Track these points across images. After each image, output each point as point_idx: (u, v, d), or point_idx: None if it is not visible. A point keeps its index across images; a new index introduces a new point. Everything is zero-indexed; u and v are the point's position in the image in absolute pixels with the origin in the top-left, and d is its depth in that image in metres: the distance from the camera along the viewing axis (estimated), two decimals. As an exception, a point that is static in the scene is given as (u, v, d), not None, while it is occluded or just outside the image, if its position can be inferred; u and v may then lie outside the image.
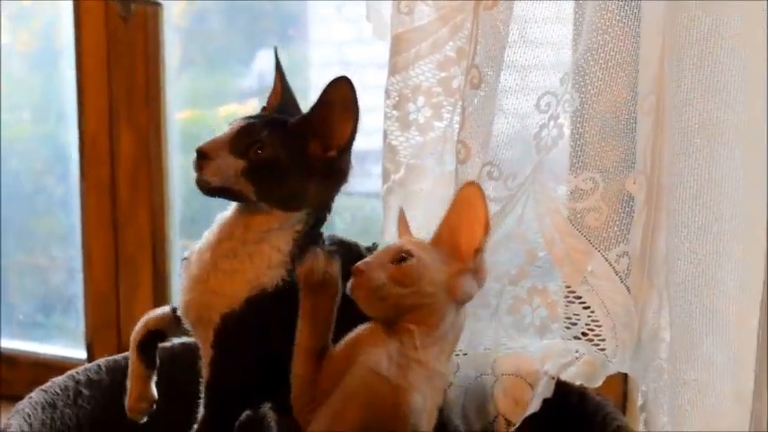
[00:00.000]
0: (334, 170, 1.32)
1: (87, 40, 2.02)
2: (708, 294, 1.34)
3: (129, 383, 1.42)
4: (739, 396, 1.33)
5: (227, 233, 1.31)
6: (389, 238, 1.56)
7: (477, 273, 1.21)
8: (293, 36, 2.17)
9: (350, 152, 1.33)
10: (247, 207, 1.31)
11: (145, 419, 1.43)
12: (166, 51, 2.02)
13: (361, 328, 1.19)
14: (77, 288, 2.18)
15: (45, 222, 2.38)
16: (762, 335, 1.29)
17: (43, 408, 1.37)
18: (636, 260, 1.42)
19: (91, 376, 1.48)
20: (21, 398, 2.06)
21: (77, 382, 1.44)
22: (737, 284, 1.33)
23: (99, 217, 2.06)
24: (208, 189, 1.28)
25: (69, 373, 1.45)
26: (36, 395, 1.39)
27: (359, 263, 1.17)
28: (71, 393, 1.42)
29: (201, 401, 1.32)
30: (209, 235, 1.33)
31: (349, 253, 1.31)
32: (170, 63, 2.03)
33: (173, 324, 1.41)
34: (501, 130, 1.42)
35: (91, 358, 2.04)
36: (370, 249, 1.33)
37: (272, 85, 1.42)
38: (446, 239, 1.20)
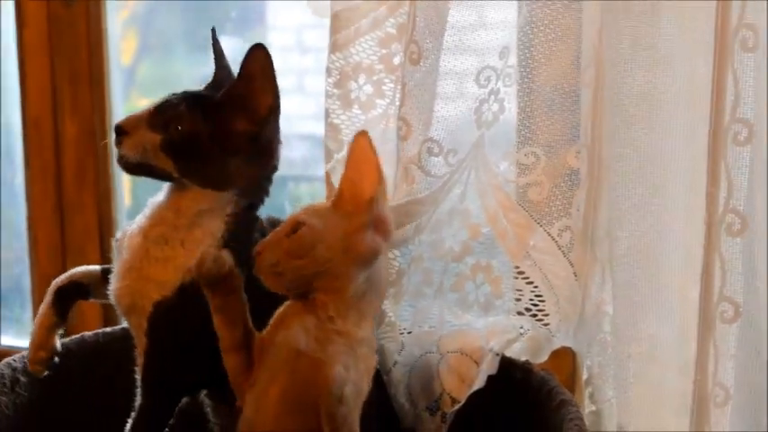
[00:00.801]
0: (259, 147, 1.29)
1: (29, 23, 1.99)
2: (650, 267, 1.34)
3: (33, 331, 1.38)
4: (683, 368, 1.33)
5: (159, 218, 1.29)
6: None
7: (379, 225, 1.16)
8: (251, 20, 2.15)
9: (275, 128, 1.31)
10: (177, 190, 1.29)
11: (46, 373, 1.39)
12: (123, 38, 2.00)
13: (282, 307, 1.17)
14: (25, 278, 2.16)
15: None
16: (703, 306, 1.28)
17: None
18: (578, 234, 1.41)
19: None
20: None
21: (14, 369, 1.41)
22: (679, 257, 1.34)
23: (44, 204, 2.04)
24: (127, 165, 1.26)
25: (6, 360, 1.42)
26: None
27: (258, 244, 1.15)
28: (8, 381, 1.39)
29: (138, 390, 1.30)
30: (141, 219, 1.31)
31: None
32: (127, 49, 2.00)
33: (99, 284, 1.37)
34: (441, 105, 1.41)
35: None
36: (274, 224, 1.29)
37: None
38: (347, 196, 1.16)
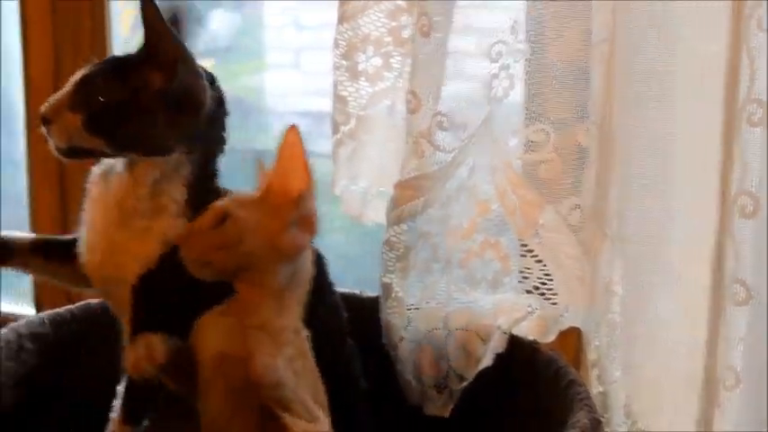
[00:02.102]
0: (178, 99, 1.24)
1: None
2: (660, 247, 1.33)
3: None
4: (692, 350, 1.33)
5: (120, 189, 1.26)
6: (339, 191, 1.54)
7: (305, 222, 1.14)
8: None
9: (192, 75, 1.25)
10: (128, 161, 1.26)
11: None
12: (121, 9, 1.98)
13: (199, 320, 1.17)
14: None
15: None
16: (714, 288, 1.27)
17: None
18: (588, 213, 1.39)
19: (34, 329, 1.44)
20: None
21: (20, 335, 1.40)
22: (689, 237, 1.33)
23: (45, 173, 2.02)
24: (60, 152, 1.24)
25: (12, 326, 1.40)
26: None
27: (180, 235, 1.14)
28: (14, 346, 1.37)
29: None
30: (94, 188, 1.29)
31: None
32: (125, 20, 1.98)
33: (25, 253, 1.35)
34: (451, 79, 1.39)
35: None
36: None
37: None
38: (274, 190, 1.13)
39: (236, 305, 1.14)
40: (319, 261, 1.33)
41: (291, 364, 1.13)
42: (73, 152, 1.24)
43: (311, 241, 1.17)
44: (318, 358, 1.17)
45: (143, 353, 1.14)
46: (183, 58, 1.24)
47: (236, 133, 1.32)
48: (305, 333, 1.17)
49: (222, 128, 1.30)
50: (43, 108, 1.22)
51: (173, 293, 1.21)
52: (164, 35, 1.22)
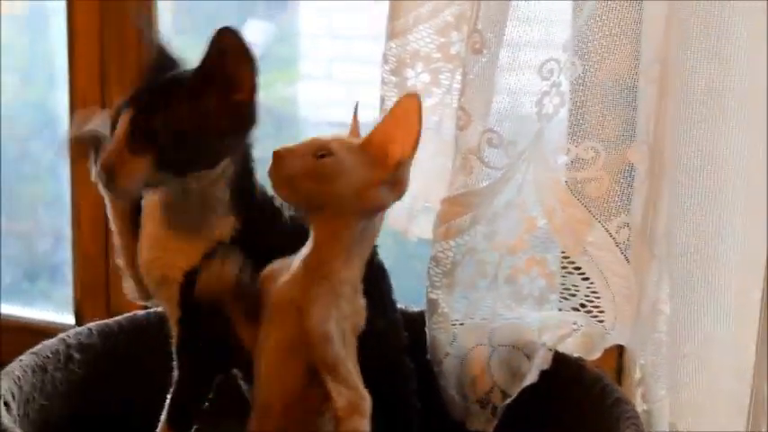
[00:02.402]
0: (244, 116, 1.25)
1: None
2: (709, 267, 1.32)
3: None
4: (739, 372, 1.32)
5: (170, 194, 1.27)
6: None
7: (397, 185, 1.17)
8: (283, 5, 2.14)
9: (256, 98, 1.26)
10: None
11: None
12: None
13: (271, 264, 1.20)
14: (64, 255, 2.15)
15: (32, 189, 2.35)
16: (764, 310, 1.27)
17: (33, 371, 1.34)
18: (637, 231, 1.39)
19: (82, 340, 1.45)
20: (5, 363, 2.05)
21: (68, 345, 1.41)
22: (739, 258, 1.32)
23: (88, 180, 2.02)
24: (129, 196, 1.26)
25: (60, 336, 1.42)
26: (26, 358, 1.36)
27: (280, 148, 1.14)
28: (62, 357, 1.39)
29: (175, 364, 1.31)
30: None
31: None
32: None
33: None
34: (502, 96, 1.40)
35: (80, 323, 2.01)
36: None
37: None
38: (376, 145, 1.16)
39: (306, 250, 1.16)
40: (383, 275, 1.34)
41: (341, 324, 1.14)
42: (140, 191, 1.25)
43: (395, 201, 1.19)
44: (376, 374, 1.16)
45: (216, 270, 1.16)
46: (256, 84, 1.24)
47: (269, 142, 1.32)
48: (362, 301, 1.18)
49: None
50: (105, 159, 1.19)
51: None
52: (247, 62, 1.22)
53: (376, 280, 1.32)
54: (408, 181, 1.18)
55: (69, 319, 2.10)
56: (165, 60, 1.30)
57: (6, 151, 2.29)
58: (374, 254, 1.28)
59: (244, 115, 1.25)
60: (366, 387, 1.13)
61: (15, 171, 2.31)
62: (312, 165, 1.13)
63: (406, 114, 1.16)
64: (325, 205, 1.14)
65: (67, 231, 2.09)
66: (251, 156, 1.30)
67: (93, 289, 2.05)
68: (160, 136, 1.19)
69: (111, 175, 1.19)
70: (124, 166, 1.19)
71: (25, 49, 2.33)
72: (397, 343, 1.37)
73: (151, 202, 1.30)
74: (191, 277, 1.25)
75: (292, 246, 1.20)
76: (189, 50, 2.03)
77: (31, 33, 2.32)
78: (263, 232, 1.28)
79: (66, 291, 2.13)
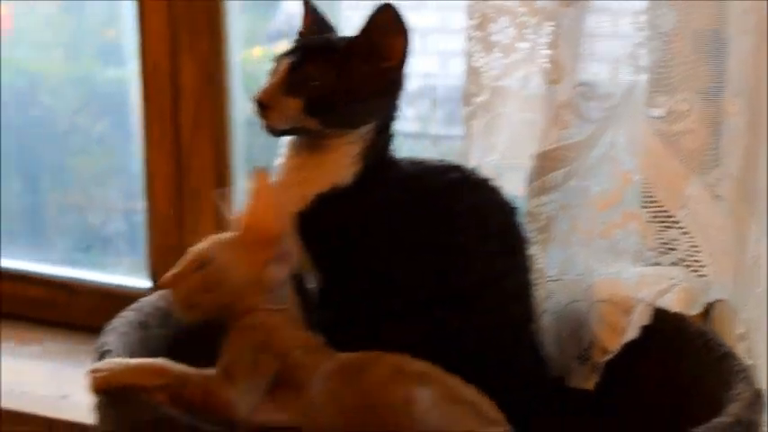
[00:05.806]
0: (391, 83, 1.31)
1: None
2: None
3: None
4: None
5: (296, 152, 1.32)
6: (474, 161, 1.52)
7: (284, 257, 1.19)
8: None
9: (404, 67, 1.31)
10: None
11: None
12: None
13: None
14: (115, 226, 2.17)
15: (81, 161, 2.35)
16: None
17: (136, 327, 1.32)
18: (736, 184, 1.37)
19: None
20: (81, 326, 2.03)
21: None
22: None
23: (161, 148, 2.02)
24: (275, 132, 1.30)
25: (160, 293, 1.40)
26: (128, 314, 1.33)
27: (164, 277, 1.18)
28: (161, 314, 1.36)
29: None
30: (292, 152, 1.33)
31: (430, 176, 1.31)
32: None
33: None
34: (594, 49, 1.38)
35: (156, 286, 2.00)
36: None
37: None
38: (251, 229, 1.18)
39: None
40: (515, 212, 1.33)
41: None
42: (285, 132, 1.30)
43: (289, 272, 1.20)
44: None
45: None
46: (407, 53, 1.29)
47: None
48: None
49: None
50: (261, 94, 1.27)
51: (327, 237, 1.27)
52: (400, 34, 1.27)
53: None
54: (294, 247, 1.20)
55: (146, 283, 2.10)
56: (321, 23, 1.37)
57: (54, 125, 2.32)
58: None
59: (390, 80, 1.30)
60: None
61: (64, 144, 2.33)
62: (197, 279, 1.16)
63: (260, 192, 1.19)
64: (231, 307, 1.17)
65: (119, 204, 2.11)
66: (390, 128, 1.33)
67: (168, 252, 2.04)
68: (312, 82, 1.27)
69: (264, 110, 1.27)
70: (278, 103, 1.27)
71: (68, 24, 2.32)
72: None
73: (290, 157, 1.32)
74: (298, 219, 1.27)
75: (406, 204, 1.25)
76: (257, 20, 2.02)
77: (70, 10, 2.31)
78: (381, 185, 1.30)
79: (118, 261, 2.16)
